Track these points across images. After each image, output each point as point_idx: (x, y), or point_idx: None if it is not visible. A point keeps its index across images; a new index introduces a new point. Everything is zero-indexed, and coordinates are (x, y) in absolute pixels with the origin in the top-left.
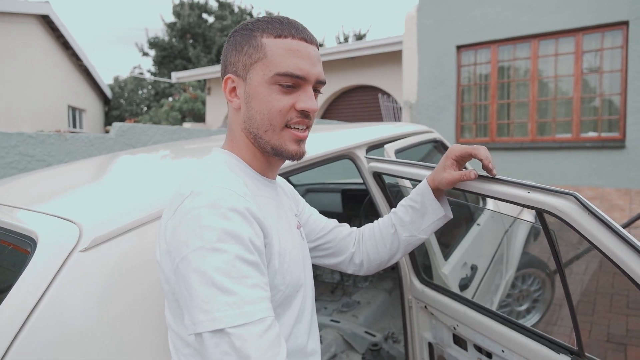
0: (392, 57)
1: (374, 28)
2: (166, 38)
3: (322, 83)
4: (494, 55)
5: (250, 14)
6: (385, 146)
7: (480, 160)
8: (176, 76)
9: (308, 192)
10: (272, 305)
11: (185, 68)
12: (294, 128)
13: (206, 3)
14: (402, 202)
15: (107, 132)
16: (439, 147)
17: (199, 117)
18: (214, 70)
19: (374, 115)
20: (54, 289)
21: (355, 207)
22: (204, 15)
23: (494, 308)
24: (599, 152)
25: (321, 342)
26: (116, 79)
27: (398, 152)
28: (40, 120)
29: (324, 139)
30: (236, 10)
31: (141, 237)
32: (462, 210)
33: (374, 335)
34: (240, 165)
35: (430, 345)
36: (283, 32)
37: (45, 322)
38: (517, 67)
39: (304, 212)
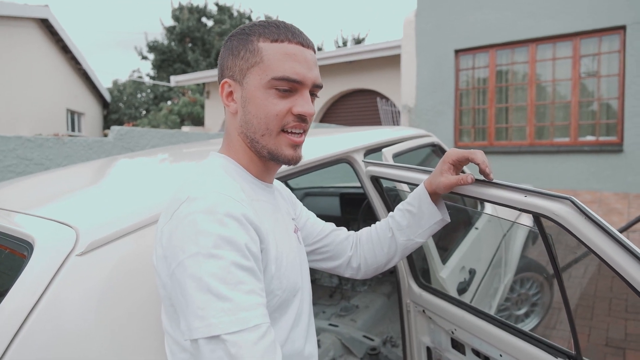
0: (390, 61)
1: (372, 32)
2: (165, 42)
3: (319, 87)
4: (492, 60)
5: (250, 18)
6: (383, 150)
7: (477, 164)
8: (175, 80)
9: (306, 196)
10: (269, 310)
11: (184, 72)
12: (291, 132)
13: (205, 7)
14: (400, 206)
15: (105, 135)
16: (437, 151)
17: (198, 121)
18: (213, 74)
19: (373, 119)
20: (50, 293)
21: (353, 211)
22: (203, 19)
23: (492, 312)
24: (597, 156)
25: (319, 347)
26: (115, 83)
27: (396, 156)
28: (38, 123)
29: (322, 142)
30: (235, 14)
31: (138, 241)
32: (460, 214)
33: (372, 340)
34: (237, 169)
35: (428, 349)
36: (279, 36)
37: (42, 326)
38: (515, 71)
39: (302, 216)
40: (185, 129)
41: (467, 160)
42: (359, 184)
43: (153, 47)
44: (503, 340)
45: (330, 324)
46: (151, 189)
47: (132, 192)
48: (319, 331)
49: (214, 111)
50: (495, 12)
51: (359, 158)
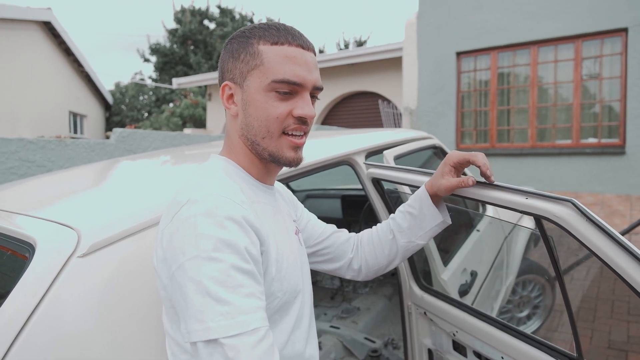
0: (392, 64)
1: (374, 35)
2: (167, 44)
3: (319, 89)
4: (493, 62)
5: (252, 21)
6: (385, 152)
7: (478, 166)
8: (177, 82)
9: (308, 197)
10: (270, 312)
11: (186, 74)
12: (292, 135)
13: (207, 10)
14: (401, 208)
15: (107, 137)
16: (439, 153)
17: (200, 123)
18: (215, 77)
19: (374, 122)
20: (52, 295)
21: (355, 213)
22: (205, 22)
23: (494, 314)
24: (599, 158)
25: (321, 349)
26: (117, 85)
27: (397, 158)
28: (41, 125)
29: (324, 145)
30: (237, 17)
31: (139, 243)
32: (461, 216)
33: (373, 342)
34: (237, 171)
35: (429, 351)
36: (280, 39)
37: (43, 327)
38: (517, 74)
39: (303, 218)
40: (187, 131)
41: (468, 163)
42: (360, 186)
43: (155, 50)
44: (505, 343)
45: (331, 326)
46: (152, 191)
47: (133, 194)
48: (320, 333)
49: (216, 113)
50: (496, 15)
51: (360, 160)
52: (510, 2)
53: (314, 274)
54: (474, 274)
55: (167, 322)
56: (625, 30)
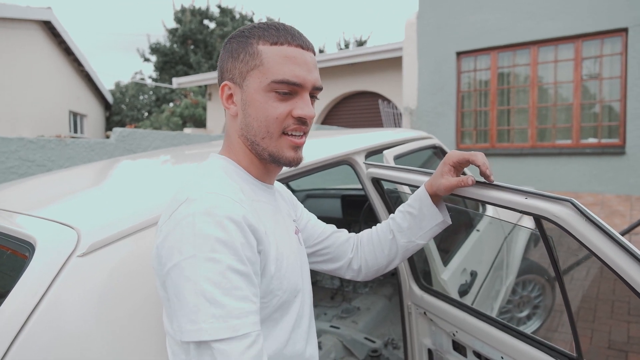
0: (392, 64)
1: (374, 34)
2: (167, 44)
3: (319, 89)
4: (493, 62)
5: (252, 20)
6: (384, 152)
7: (478, 166)
8: (177, 82)
9: (308, 197)
10: (270, 310)
11: (186, 74)
12: (291, 135)
13: (207, 9)
14: (400, 208)
15: (107, 137)
16: (438, 153)
17: (200, 123)
18: (215, 76)
19: (374, 121)
20: (51, 294)
21: (355, 212)
22: (205, 22)
23: (494, 314)
24: (599, 158)
25: (320, 348)
26: (117, 85)
27: (397, 158)
28: (41, 125)
29: (323, 144)
30: (237, 16)
31: (140, 242)
32: (461, 216)
33: (373, 342)
34: (237, 170)
35: (429, 351)
36: (279, 39)
37: (43, 327)
38: (517, 74)
39: (302, 218)
40: (187, 130)
41: (467, 162)
42: (360, 186)
43: (155, 49)
44: (504, 343)
45: (331, 326)
46: (152, 191)
47: (133, 194)
48: (320, 333)
49: (216, 113)
50: (496, 15)
51: (360, 160)
52: (510, 2)
53: (314, 273)
54: (473, 274)
55: (168, 322)
56: (625, 30)
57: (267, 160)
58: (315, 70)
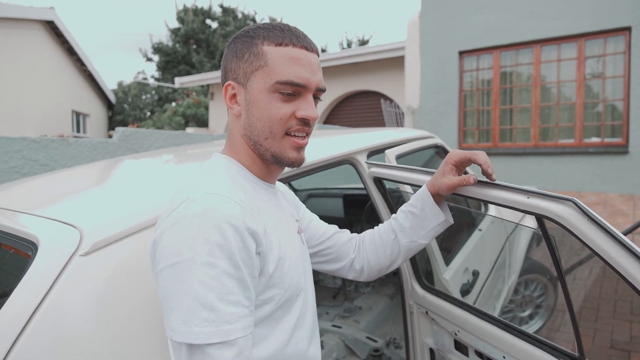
0: (394, 63)
1: (377, 34)
2: (170, 43)
3: (322, 91)
4: (496, 61)
5: (254, 20)
6: (386, 151)
7: (480, 165)
8: (179, 81)
9: (310, 197)
10: (272, 309)
11: (188, 73)
12: (294, 136)
13: (210, 9)
14: (402, 207)
15: (110, 137)
16: (440, 152)
17: (202, 122)
18: (217, 76)
19: (377, 121)
20: (54, 293)
21: (357, 212)
22: (208, 21)
23: (496, 314)
24: (602, 158)
25: (322, 348)
26: (120, 84)
27: (399, 157)
28: (44, 125)
29: (326, 144)
30: (239, 16)
31: (142, 242)
32: (463, 216)
33: (375, 341)
34: (239, 170)
35: (431, 351)
36: (284, 40)
37: (46, 326)
38: (519, 73)
39: (305, 218)
40: (190, 130)
41: (469, 161)
42: (362, 186)
43: (158, 49)
44: (506, 342)
45: (333, 325)
46: (155, 190)
47: (136, 193)
48: (322, 332)
49: (218, 113)
50: (499, 14)
51: (362, 159)
52: (512, 1)
53: (316, 273)
54: (475, 274)
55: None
56: (628, 29)
57: (270, 161)
58: (319, 71)
